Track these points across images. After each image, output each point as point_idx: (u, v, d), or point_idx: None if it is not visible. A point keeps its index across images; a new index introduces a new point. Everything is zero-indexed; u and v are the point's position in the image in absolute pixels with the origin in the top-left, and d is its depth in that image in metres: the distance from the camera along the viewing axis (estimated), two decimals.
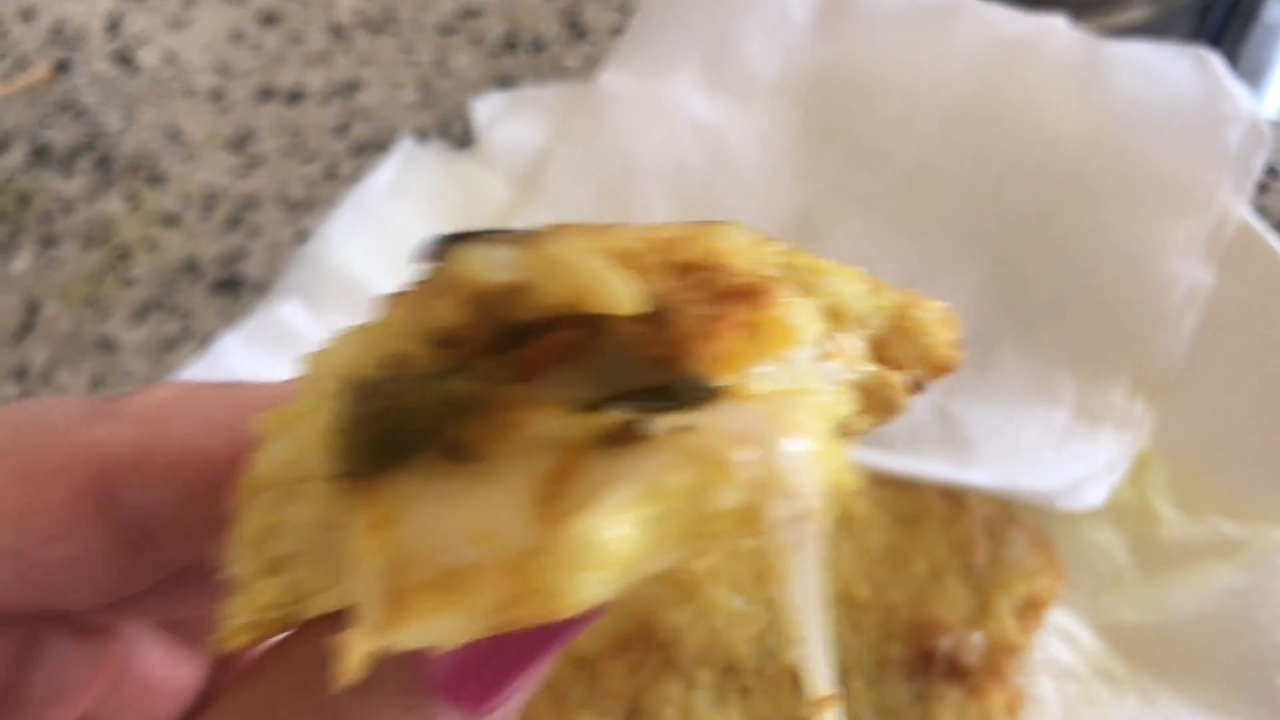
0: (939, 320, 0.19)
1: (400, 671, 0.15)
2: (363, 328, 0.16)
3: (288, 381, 0.18)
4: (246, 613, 0.16)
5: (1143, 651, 0.38)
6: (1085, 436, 0.42)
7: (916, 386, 0.19)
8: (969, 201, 0.48)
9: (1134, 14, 0.95)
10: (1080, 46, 0.48)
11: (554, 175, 0.50)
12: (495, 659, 0.16)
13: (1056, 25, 0.49)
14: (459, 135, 0.60)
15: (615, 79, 0.52)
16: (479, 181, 0.51)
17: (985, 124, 0.49)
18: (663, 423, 0.14)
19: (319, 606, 0.16)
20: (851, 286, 0.18)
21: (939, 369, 0.19)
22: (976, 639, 0.36)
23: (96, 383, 0.54)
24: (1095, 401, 0.43)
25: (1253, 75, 0.88)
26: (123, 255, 0.59)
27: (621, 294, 0.15)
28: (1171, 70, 0.46)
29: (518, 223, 0.50)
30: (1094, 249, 0.45)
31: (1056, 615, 0.38)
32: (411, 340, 0.16)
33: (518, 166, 0.51)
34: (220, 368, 0.45)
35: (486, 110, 0.53)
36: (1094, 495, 0.38)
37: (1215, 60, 0.45)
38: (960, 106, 0.49)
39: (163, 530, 0.18)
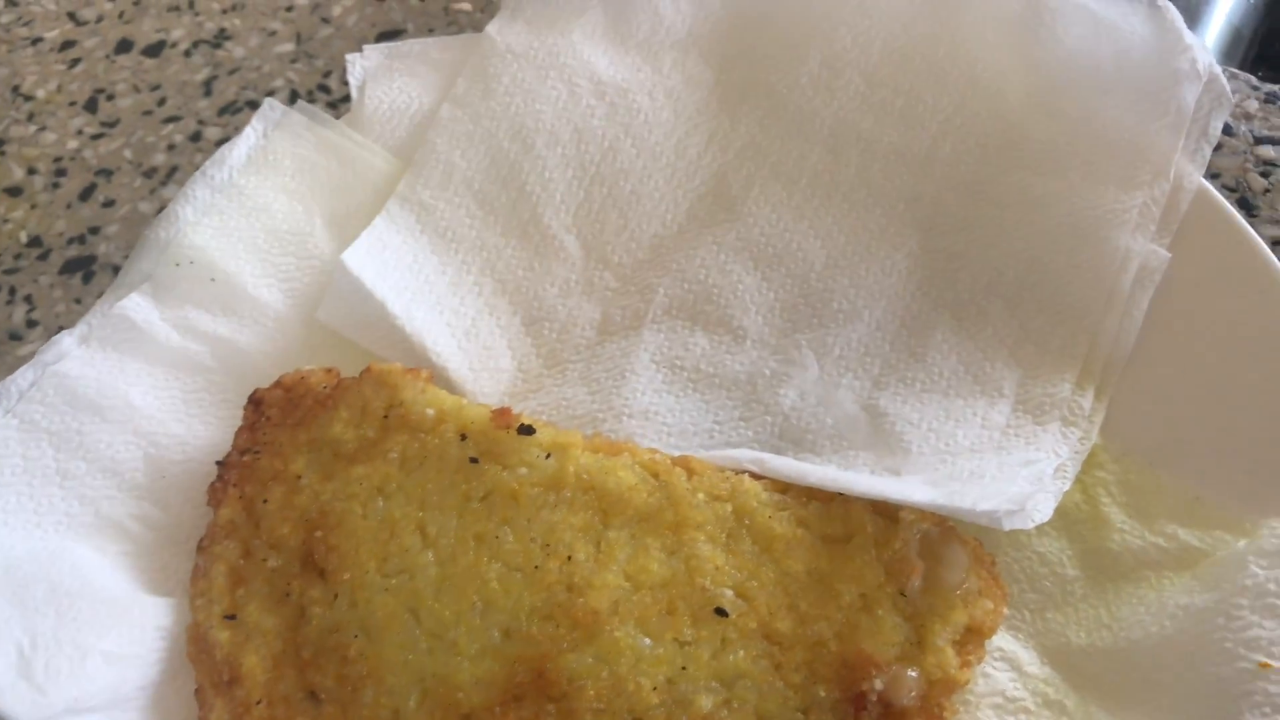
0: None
1: None
2: None
3: None
4: None
5: (1093, 679, 0.34)
6: (1029, 434, 0.38)
7: None
8: (898, 168, 0.43)
9: None
10: None
11: (439, 142, 0.45)
12: None
13: None
14: (339, 91, 0.54)
15: (506, 30, 0.47)
16: (354, 149, 0.45)
17: (915, 82, 0.44)
18: None
19: None
20: None
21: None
22: (912, 676, 0.32)
23: None
24: (1039, 393, 0.39)
25: (1190, 11, 0.84)
26: None
27: None
28: (1121, 21, 0.42)
29: (396, 196, 0.44)
30: (1037, 221, 0.41)
31: (999, 637, 0.35)
32: None
33: (398, 132, 0.46)
34: (56, 373, 0.39)
35: (363, 67, 0.47)
36: (1043, 510, 0.34)
37: (1170, 9, 0.41)
38: (887, 62, 0.44)
39: None
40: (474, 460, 0.36)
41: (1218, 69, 0.41)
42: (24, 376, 0.39)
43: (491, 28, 0.47)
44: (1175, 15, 0.41)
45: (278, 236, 0.43)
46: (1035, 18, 0.43)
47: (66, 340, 0.40)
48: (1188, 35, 0.41)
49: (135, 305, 0.41)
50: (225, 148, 0.44)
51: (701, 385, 0.40)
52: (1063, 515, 0.36)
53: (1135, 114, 0.41)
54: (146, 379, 0.40)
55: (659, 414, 0.40)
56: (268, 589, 0.36)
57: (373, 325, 0.41)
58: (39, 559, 0.36)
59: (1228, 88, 0.41)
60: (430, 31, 0.55)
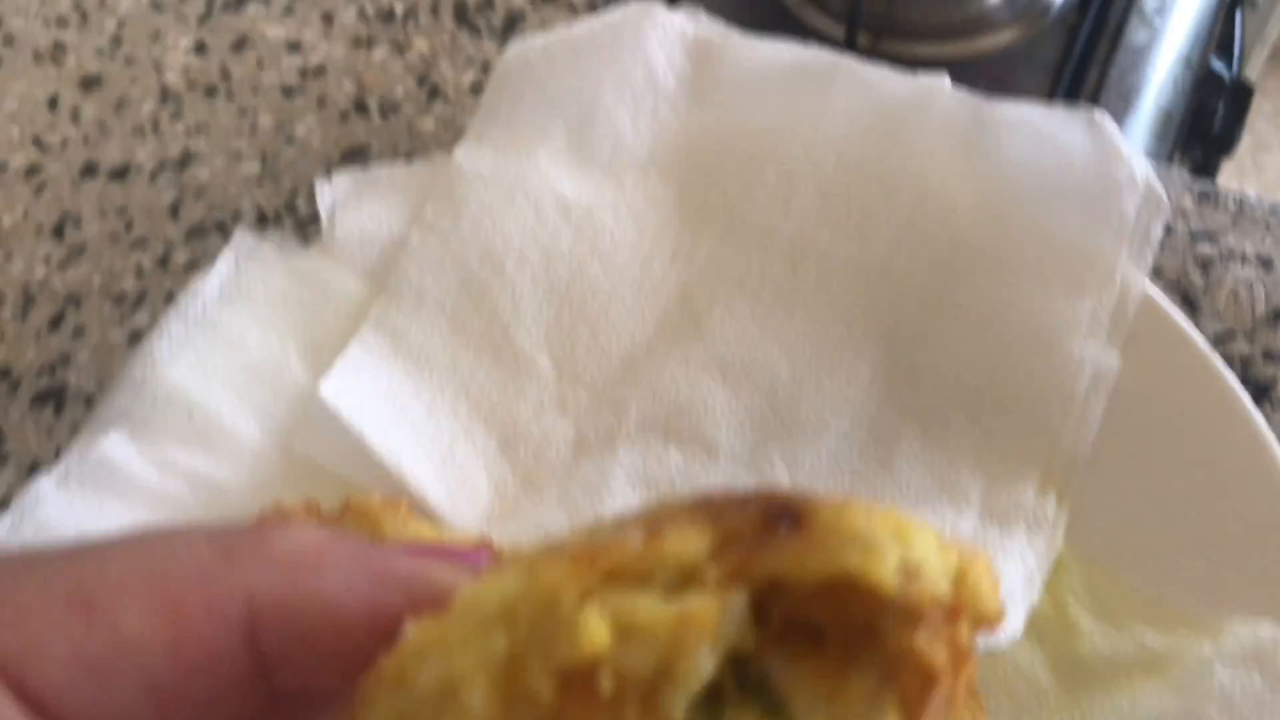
0: (991, 581, 0.18)
1: None
2: (536, 560, 0.17)
3: (423, 562, 0.20)
4: None
5: None
6: (995, 543, 0.39)
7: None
8: (855, 280, 0.45)
9: (1002, 37, 0.94)
10: (966, 109, 0.45)
11: (410, 267, 0.46)
12: None
13: (940, 87, 0.46)
14: (306, 211, 0.55)
15: (472, 155, 0.48)
16: (325, 277, 0.46)
17: (868, 195, 0.45)
18: None
19: None
20: (932, 552, 0.17)
21: (987, 627, 0.19)
22: None
23: None
24: (1004, 501, 0.40)
25: (1124, 97, 0.87)
26: None
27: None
28: (1062, 134, 0.44)
29: (369, 323, 0.45)
30: (991, 330, 0.42)
31: None
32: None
33: (369, 258, 0.46)
34: (35, 519, 0.40)
35: (330, 194, 0.48)
36: (1013, 623, 0.35)
37: (1107, 123, 0.43)
38: (840, 177, 0.46)
39: (290, 676, 0.19)
40: None
41: (1155, 179, 0.43)
42: (3, 524, 0.40)
43: (458, 153, 0.48)
44: (1113, 128, 0.43)
45: (253, 368, 0.44)
46: (980, 130, 0.45)
47: (44, 484, 0.41)
48: (1125, 147, 0.43)
49: (113, 445, 0.41)
50: (198, 281, 0.45)
51: None
52: (1033, 623, 0.37)
53: (1080, 223, 0.43)
54: (126, 519, 0.40)
55: None
56: None
57: (350, 454, 0.42)
58: None
59: (1165, 197, 0.43)
60: (394, 148, 0.57)
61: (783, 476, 0.41)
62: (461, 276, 0.46)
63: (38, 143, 0.59)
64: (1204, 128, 1.05)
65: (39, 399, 0.50)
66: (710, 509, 0.17)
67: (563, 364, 0.45)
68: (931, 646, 0.17)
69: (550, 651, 0.16)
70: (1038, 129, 0.44)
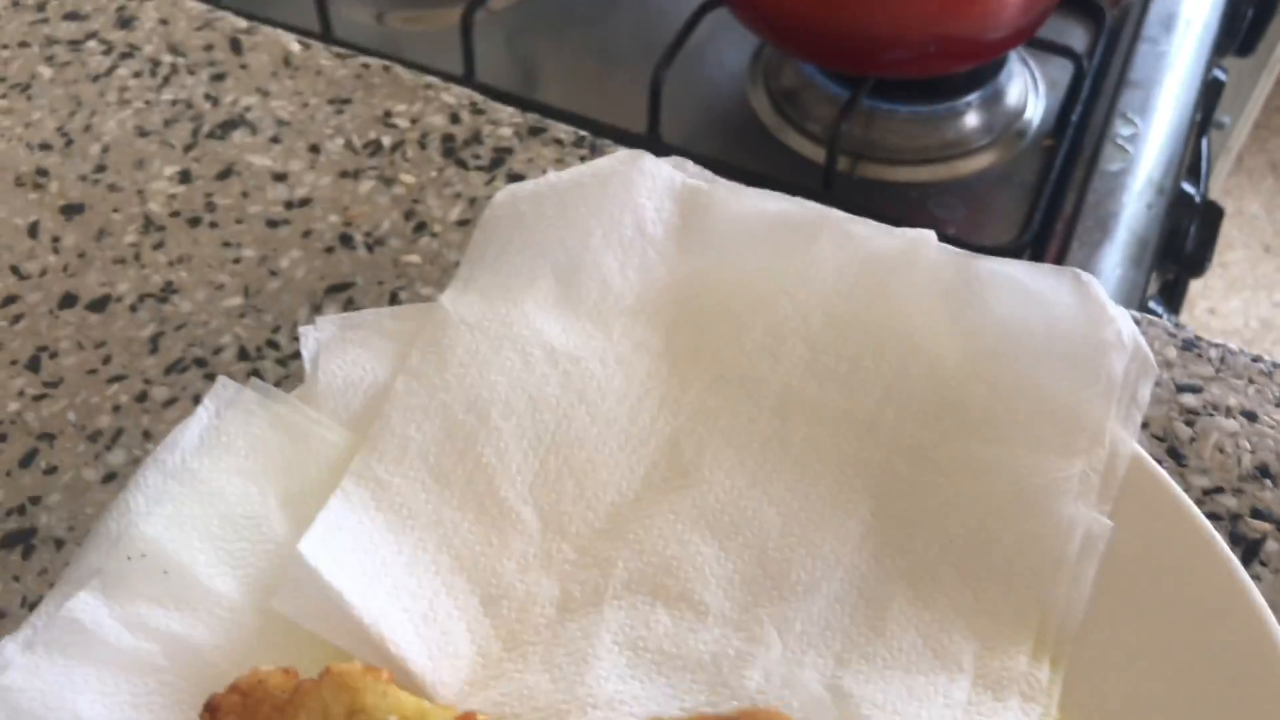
0: None
1: None
2: None
3: None
4: None
5: None
6: (989, 711, 0.38)
7: None
8: (845, 433, 0.45)
9: (980, 160, 0.96)
10: (952, 265, 0.46)
11: (394, 416, 0.45)
12: None
13: (926, 240, 0.46)
14: (288, 347, 0.55)
15: (459, 300, 0.48)
16: (308, 426, 0.45)
17: (856, 349, 0.46)
18: None
19: None
20: None
21: None
22: None
23: None
24: (997, 667, 0.39)
25: (1101, 224, 0.89)
26: None
27: None
28: (1049, 292, 0.44)
29: (351, 474, 0.44)
30: (982, 489, 0.42)
31: None
32: None
33: (352, 405, 0.46)
34: (0, 687, 0.38)
35: (315, 339, 0.47)
36: None
37: (1093, 282, 0.44)
38: (828, 331, 0.46)
39: None
40: None
41: (1141, 339, 0.43)
42: None
43: (445, 298, 0.48)
44: (1098, 288, 0.44)
45: (232, 521, 0.43)
46: (966, 287, 0.46)
47: (9, 648, 0.39)
48: (1110, 306, 0.44)
49: (84, 605, 0.40)
50: (177, 430, 0.44)
51: (666, 668, 0.40)
52: None
53: (1068, 382, 0.43)
54: (95, 685, 0.39)
55: (625, 702, 0.39)
56: None
57: (330, 614, 0.41)
58: None
59: (1151, 357, 0.43)
60: (379, 284, 0.56)
61: (773, 640, 0.41)
62: (446, 426, 0.45)
63: (16, 271, 0.59)
64: (1178, 248, 1.07)
65: (6, 541, 0.49)
66: None
67: (548, 517, 0.44)
68: None
69: None
70: (1024, 286, 0.45)
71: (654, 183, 0.49)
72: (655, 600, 0.42)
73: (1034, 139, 0.95)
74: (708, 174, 0.50)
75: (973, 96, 0.94)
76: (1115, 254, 0.87)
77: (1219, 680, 0.38)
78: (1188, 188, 1.06)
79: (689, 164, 0.50)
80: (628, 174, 0.49)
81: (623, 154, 0.50)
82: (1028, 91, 0.98)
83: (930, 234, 0.47)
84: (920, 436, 0.44)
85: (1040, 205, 0.89)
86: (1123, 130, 0.92)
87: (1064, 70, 0.96)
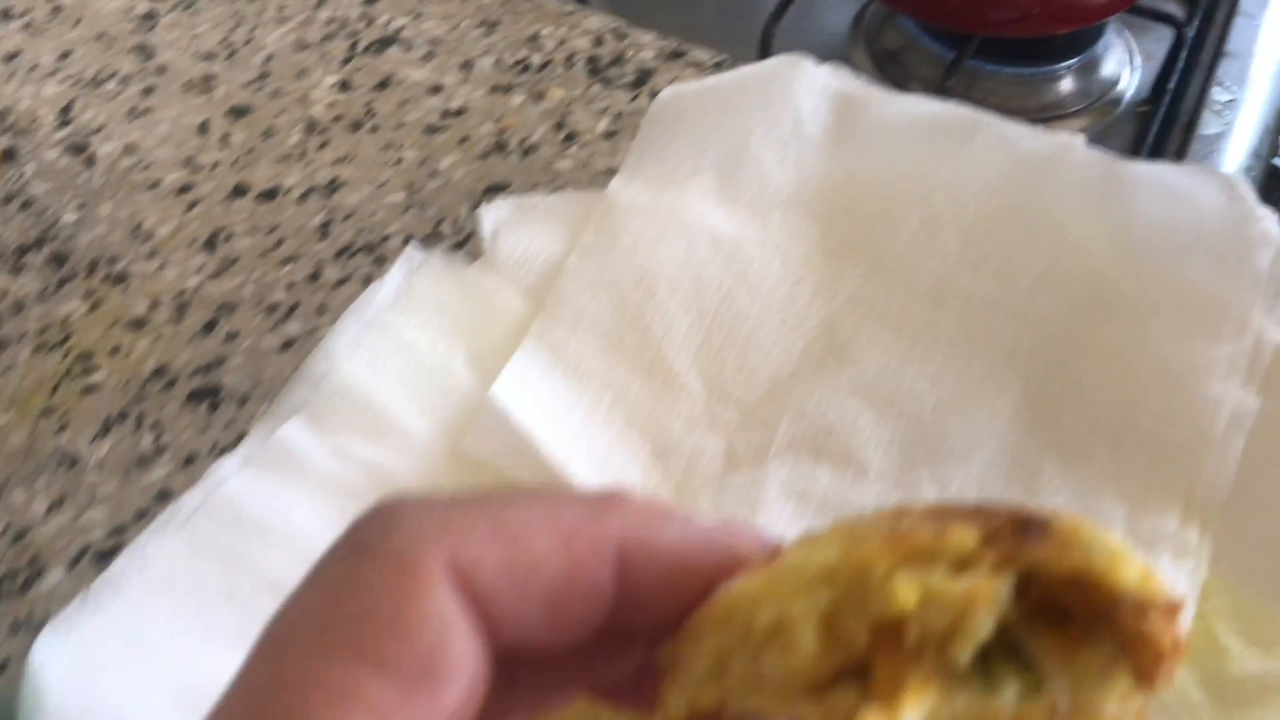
0: (1169, 583, 0.23)
1: None
2: (856, 530, 0.21)
3: (732, 534, 0.24)
4: (679, 701, 0.22)
5: None
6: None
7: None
8: (996, 320, 0.47)
9: (1077, 123, 0.97)
10: (1100, 165, 0.48)
11: (568, 288, 0.48)
12: None
13: (1075, 144, 0.49)
14: (452, 238, 0.58)
15: (627, 188, 0.51)
16: (490, 292, 0.48)
17: (1008, 241, 0.48)
18: None
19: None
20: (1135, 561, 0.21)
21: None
22: None
23: (57, 502, 0.49)
24: (1148, 527, 0.42)
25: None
26: (82, 361, 0.54)
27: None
28: (1196, 191, 0.46)
29: (532, 335, 0.47)
30: (1130, 370, 0.45)
31: None
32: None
33: (530, 277, 0.49)
34: (220, 495, 0.41)
35: (492, 217, 0.50)
36: None
37: (1241, 183, 0.46)
38: (981, 223, 0.48)
39: (633, 610, 0.23)
40: None
41: None
42: (192, 499, 0.41)
43: (614, 185, 0.51)
44: (1246, 189, 0.46)
45: (422, 370, 0.46)
46: (1114, 188, 0.48)
47: (229, 464, 0.43)
48: (1258, 207, 0.46)
49: (294, 432, 0.43)
50: (372, 288, 0.47)
51: (830, 516, 0.43)
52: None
53: (1215, 276, 0.45)
54: (306, 501, 0.42)
55: None
56: None
57: (515, 454, 0.44)
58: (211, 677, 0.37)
59: None
60: (534, 186, 0.59)
61: (931, 496, 0.43)
62: (617, 298, 0.48)
63: (189, 163, 0.62)
64: None
65: (194, 396, 0.52)
66: (967, 515, 0.22)
67: (713, 383, 0.47)
68: (1161, 630, 0.20)
69: (866, 608, 0.20)
70: (1171, 186, 0.47)
71: (812, 86, 0.52)
72: (818, 458, 0.45)
73: (1128, 107, 0.97)
74: (863, 82, 0.53)
75: (1072, 61, 0.96)
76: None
77: None
78: (1277, 163, 1.07)
79: (845, 71, 0.53)
80: (788, 77, 0.52)
81: (783, 58, 0.53)
82: (1125, 62, 1.00)
83: (1080, 138, 0.49)
84: (1070, 323, 0.46)
85: None
86: (1220, 97, 0.94)
87: (1160, 43, 0.98)
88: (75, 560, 0.47)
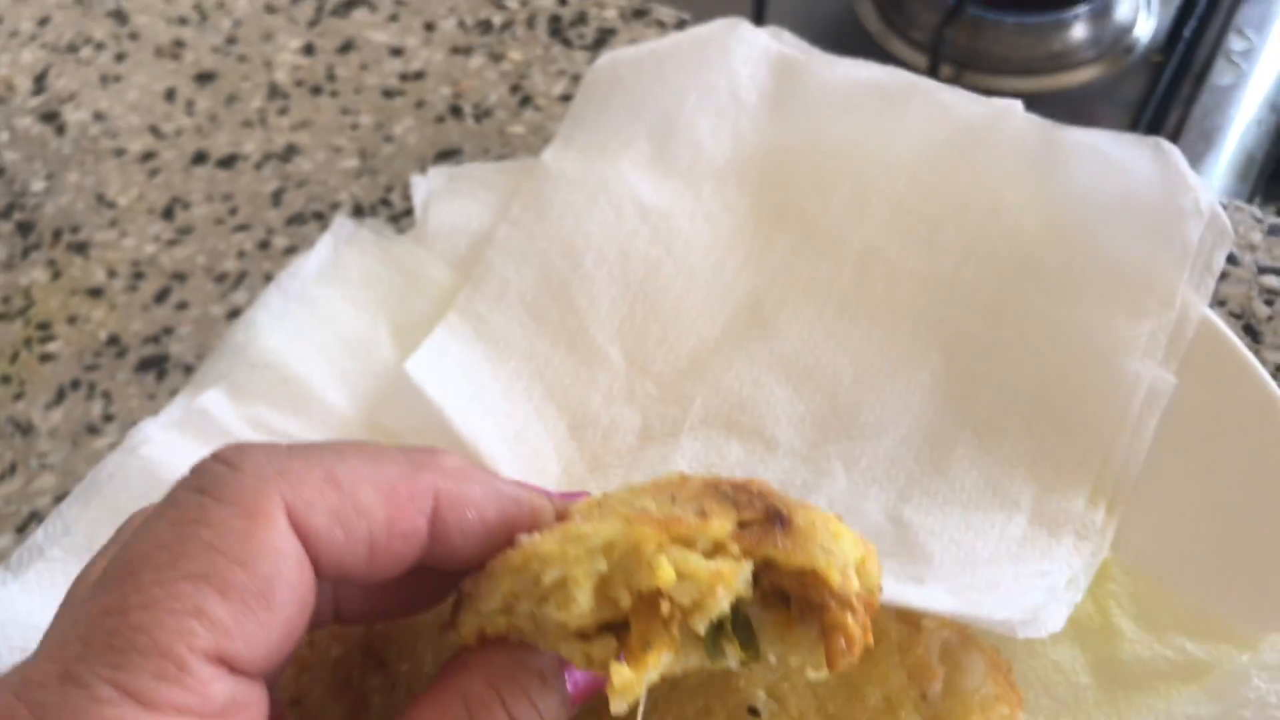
0: (878, 567, 0.27)
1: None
2: (631, 518, 0.26)
3: (533, 493, 0.30)
4: (472, 625, 0.28)
5: None
6: (1043, 547, 0.40)
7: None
8: (921, 291, 0.46)
9: (1085, 73, 0.95)
10: (1037, 132, 0.47)
11: (495, 258, 0.48)
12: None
13: (1013, 109, 0.47)
14: (400, 205, 0.58)
15: (559, 157, 0.50)
16: (417, 264, 0.48)
17: (938, 211, 0.47)
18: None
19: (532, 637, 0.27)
20: (850, 548, 0.27)
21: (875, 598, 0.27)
22: None
23: (10, 469, 0.51)
24: (1054, 509, 0.41)
25: (1205, 137, 0.87)
26: (41, 330, 0.56)
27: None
28: (1130, 160, 0.45)
29: (455, 308, 0.47)
30: (1052, 345, 0.44)
31: None
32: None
33: (458, 248, 0.49)
34: (140, 455, 0.43)
35: (425, 187, 0.50)
36: (1055, 619, 0.36)
37: (1174, 151, 0.44)
38: (913, 193, 0.48)
39: (442, 553, 0.28)
40: None
41: (1219, 208, 0.44)
42: (110, 463, 0.43)
43: (546, 155, 0.51)
44: (1179, 157, 0.45)
45: (345, 343, 0.47)
46: (1050, 155, 0.47)
47: (148, 427, 0.44)
48: (1191, 176, 0.44)
49: (213, 401, 0.44)
50: (299, 260, 0.48)
51: None
52: (1076, 625, 0.38)
53: (1143, 247, 0.44)
54: None
55: None
56: (330, 677, 0.38)
57: (430, 428, 0.44)
58: None
59: (1229, 224, 0.44)
60: (486, 151, 0.59)
61: (839, 474, 0.43)
62: (543, 270, 0.48)
63: (154, 130, 0.63)
64: None
65: (143, 365, 0.54)
66: (727, 497, 0.27)
67: (633, 356, 0.47)
68: (851, 621, 0.26)
69: (633, 579, 0.25)
70: (1106, 154, 0.46)
71: (750, 50, 0.51)
72: (729, 434, 0.45)
73: (1142, 55, 0.94)
74: (804, 44, 0.52)
75: (1082, 9, 0.93)
76: (1221, 169, 0.86)
77: (1269, 531, 0.39)
78: None
79: (786, 34, 0.52)
80: (725, 41, 0.51)
81: (721, 22, 0.52)
82: (1139, 8, 0.96)
83: (1017, 103, 0.48)
84: (995, 295, 0.45)
85: (1143, 119, 0.88)
86: (1236, 45, 0.90)
87: None
88: (23, 526, 0.49)
